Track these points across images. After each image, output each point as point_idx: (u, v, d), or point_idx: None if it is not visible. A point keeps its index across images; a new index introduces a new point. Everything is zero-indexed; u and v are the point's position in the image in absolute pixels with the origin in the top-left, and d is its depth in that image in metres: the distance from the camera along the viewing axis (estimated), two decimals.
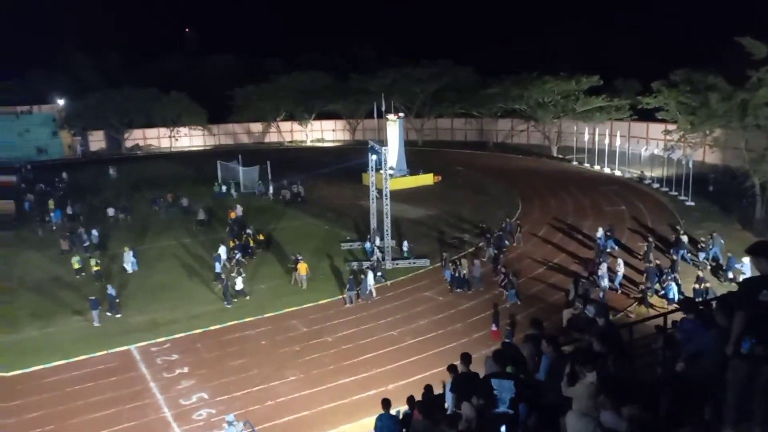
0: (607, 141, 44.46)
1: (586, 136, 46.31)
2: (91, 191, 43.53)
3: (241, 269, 24.25)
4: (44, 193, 42.27)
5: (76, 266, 25.14)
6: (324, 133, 76.67)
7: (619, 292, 21.62)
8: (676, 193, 35.54)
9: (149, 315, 21.16)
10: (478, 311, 20.72)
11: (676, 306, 14.32)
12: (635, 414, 4.89)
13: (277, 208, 37.36)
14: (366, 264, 24.70)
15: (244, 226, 31.02)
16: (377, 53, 78.39)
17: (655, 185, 38.31)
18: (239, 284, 22.53)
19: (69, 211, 35.84)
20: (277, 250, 28.46)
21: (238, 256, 26.22)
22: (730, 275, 21.71)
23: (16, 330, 20.02)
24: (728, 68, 33.06)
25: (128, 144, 71.43)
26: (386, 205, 25.97)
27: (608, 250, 25.15)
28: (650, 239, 25.36)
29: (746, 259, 19.17)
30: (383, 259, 25.37)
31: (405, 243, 26.68)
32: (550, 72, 53.23)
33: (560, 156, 52.41)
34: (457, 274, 22.77)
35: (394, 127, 43.32)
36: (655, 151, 41.25)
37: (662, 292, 20.49)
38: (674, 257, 23.33)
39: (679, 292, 19.82)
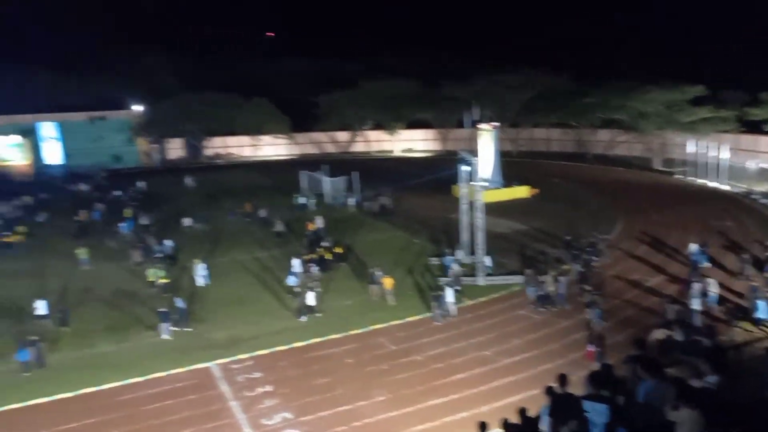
0: (713, 153, 46.35)
1: (691, 149, 48.36)
2: (166, 201, 47.17)
3: (316, 283, 25.56)
4: (118, 202, 46.24)
5: (151, 278, 27.13)
6: (413, 142, 78.65)
7: (715, 311, 21.91)
8: None
9: (228, 330, 22.43)
10: (576, 331, 21.33)
11: None
12: None
13: (362, 220, 39.42)
14: (444, 279, 25.86)
15: (322, 238, 32.60)
16: (466, 59, 79.67)
17: (763, 200, 40.65)
18: (310, 300, 23.72)
19: (144, 221, 38.96)
20: (358, 264, 29.76)
21: (315, 269, 27.48)
22: None
23: (92, 344, 21.84)
24: None
25: (208, 152, 76.47)
26: (478, 218, 27.03)
27: (702, 266, 26.16)
28: (746, 256, 26.63)
29: None
30: (472, 274, 26.71)
31: (488, 258, 27.56)
32: (652, 81, 54.91)
33: (663, 169, 54.53)
34: (541, 292, 23.90)
35: (487, 137, 45.53)
36: (765, 165, 44.60)
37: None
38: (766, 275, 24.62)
39: None
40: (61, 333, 22.62)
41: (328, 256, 29.62)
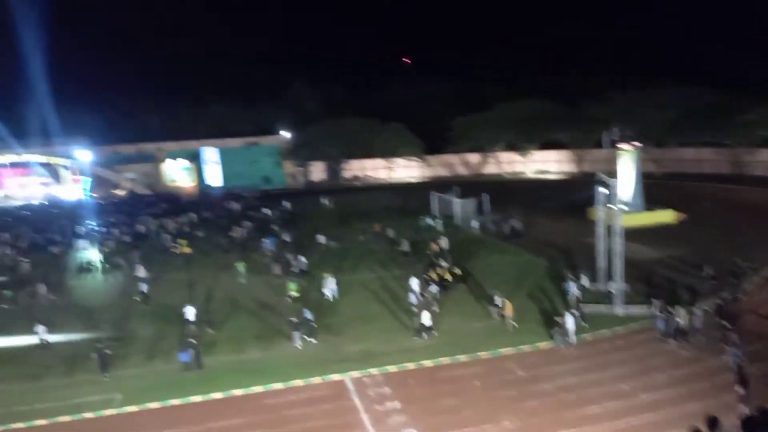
0: None
1: None
2: (306, 219, 49.66)
3: (434, 303, 25.60)
4: (265, 219, 49.33)
5: (292, 291, 28.64)
6: (547, 164, 76.28)
7: None
8: None
9: (360, 345, 22.99)
10: (730, 369, 18.96)
11: None
12: None
13: (490, 242, 38.95)
14: (570, 305, 24.67)
15: (443, 259, 32.57)
16: (606, 77, 76.08)
17: None
18: (426, 319, 23.65)
19: (285, 238, 41.23)
20: (479, 286, 29.30)
21: (434, 289, 27.44)
22: None
23: (242, 350, 23.32)
24: None
25: (347, 175, 79.38)
26: (616, 243, 25.46)
27: None
28: None
29: None
30: (600, 302, 25.41)
31: (624, 286, 25.78)
32: None
33: None
34: (672, 324, 22.02)
35: (627, 158, 42.56)
36: None
37: None
38: None
39: None
40: (209, 335, 24.26)
41: (448, 277, 29.56)
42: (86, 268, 36.67)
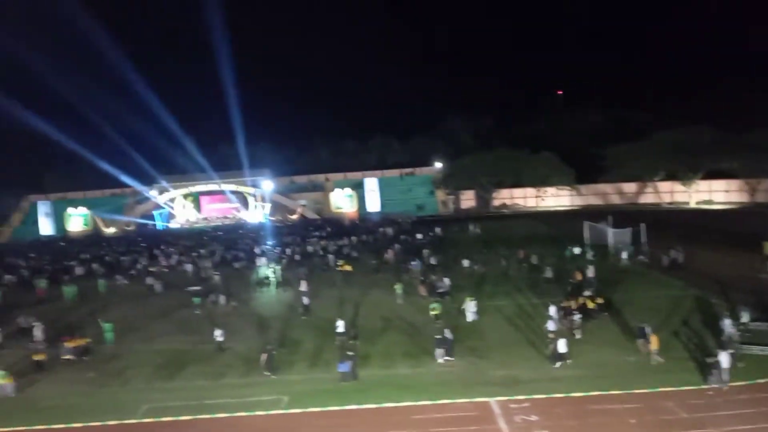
0: None
1: None
2: (453, 244, 49.42)
3: (576, 331, 24.14)
4: (415, 244, 49.94)
5: (435, 312, 28.31)
6: (713, 194, 68.77)
7: None
8: None
9: (505, 369, 21.94)
10: None
11: None
12: None
13: (641, 273, 35.77)
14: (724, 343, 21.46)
15: (587, 287, 30.45)
16: None
17: None
18: (562, 347, 22.03)
19: (432, 261, 41.25)
20: (625, 317, 26.82)
21: (577, 317, 25.58)
22: None
23: (393, 366, 23.38)
24: None
25: (496, 203, 78.06)
26: None
27: None
28: None
29: None
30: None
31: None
32: None
33: None
34: None
35: None
36: None
37: None
38: None
39: None
40: (364, 350, 24.52)
41: (591, 306, 27.37)
42: (263, 281, 39.37)
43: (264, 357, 22.76)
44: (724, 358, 19.46)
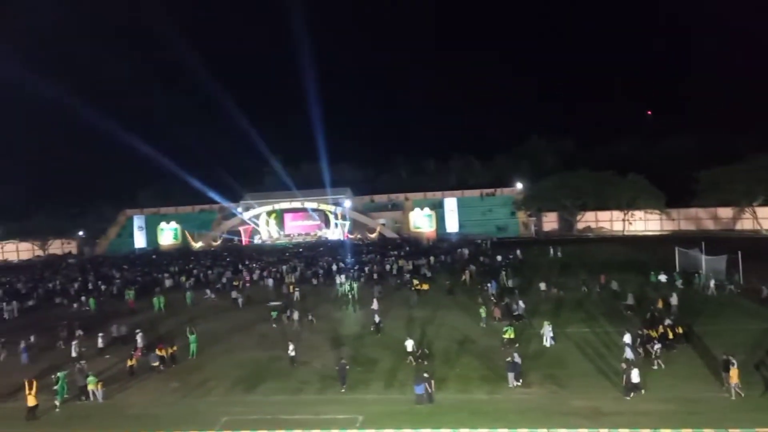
0: None
1: None
2: (532, 267, 48.16)
3: (657, 361, 23.06)
4: (492, 265, 49.17)
5: (507, 335, 27.41)
6: None
7: None
8: None
9: (588, 400, 20.89)
10: None
11: None
12: None
13: (735, 304, 33.28)
14: None
15: (668, 315, 28.72)
16: None
17: None
18: (635, 377, 20.75)
19: (510, 283, 40.33)
20: (707, 349, 25.13)
21: (657, 347, 24.03)
22: None
23: (469, 390, 22.87)
24: None
25: (579, 226, 75.47)
26: None
27: None
28: None
29: None
30: None
31: None
32: None
33: None
34: None
35: None
36: None
37: None
38: None
39: None
40: (430, 368, 24.00)
41: (672, 335, 25.67)
42: (339, 298, 39.90)
43: (337, 369, 23.02)
44: None
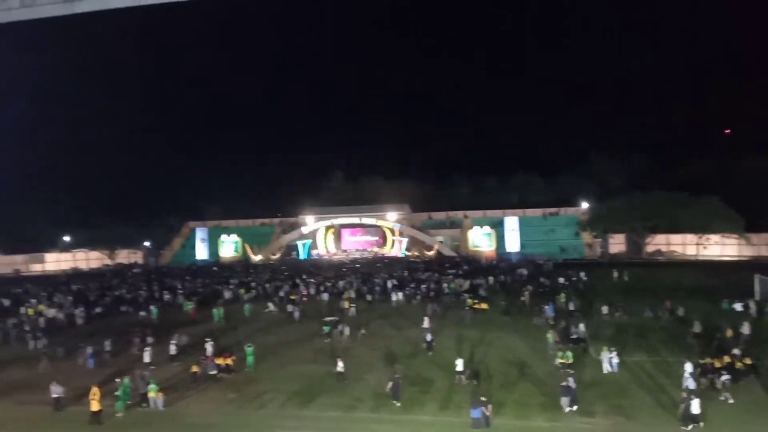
0: None
1: None
2: (595, 290, 46.92)
3: (725, 394, 21.98)
4: (552, 286, 48.03)
5: (564, 360, 26.58)
6: None
7: None
8: None
9: (656, 428, 20.06)
10: None
11: None
12: None
13: None
14: None
15: (738, 345, 27.29)
16: None
17: None
18: (695, 407, 19.77)
19: (571, 306, 39.30)
20: None
21: (725, 378, 22.67)
22: None
23: (528, 417, 22.17)
24: None
25: (649, 249, 72.65)
26: None
27: None
28: None
29: None
30: None
31: None
32: None
33: None
34: None
35: None
36: None
37: None
38: None
39: None
40: (499, 395, 23.60)
41: (738, 365, 24.29)
42: (394, 314, 39.82)
43: (390, 385, 23.09)
44: None
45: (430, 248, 79.77)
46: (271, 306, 44.19)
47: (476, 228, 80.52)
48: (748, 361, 25.25)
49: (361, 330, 34.73)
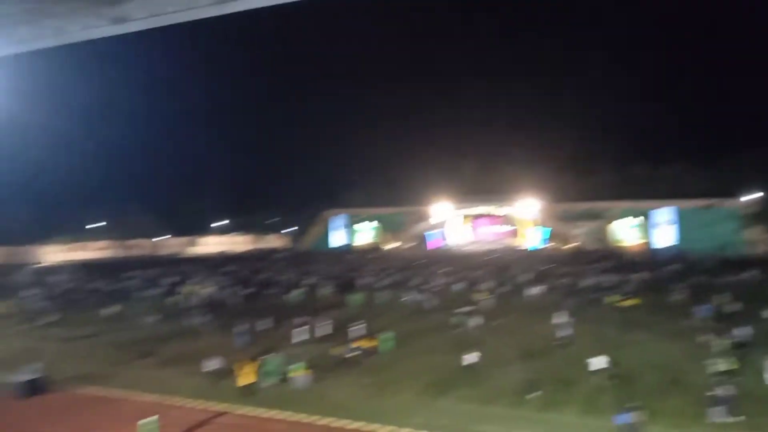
0: None
1: None
2: (760, 291, 42.13)
3: None
4: (707, 285, 43.92)
5: (725, 366, 23.84)
6: None
7: None
8: None
9: None
10: None
11: None
12: None
13: None
14: None
15: None
16: None
17: None
18: None
19: (731, 308, 35.42)
20: None
21: None
22: None
23: (682, 427, 20.26)
24: None
25: None
26: None
27: None
28: None
29: None
30: None
31: None
32: None
33: None
34: None
35: None
36: None
37: None
38: None
39: None
40: (614, 388, 22.10)
41: None
42: (530, 307, 38.69)
43: (529, 382, 22.70)
44: None
45: (570, 241, 76.44)
46: (410, 294, 44.86)
47: (622, 220, 75.70)
48: None
49: (494, 323, 34.10)
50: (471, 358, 26.25)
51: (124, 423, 20.98)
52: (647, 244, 72.65)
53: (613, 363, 25.64)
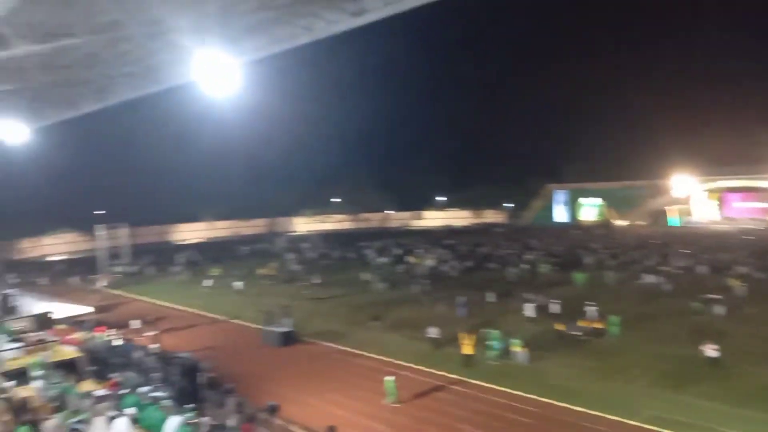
0: None
1: None
2: None
3: None
4: None
5: None
6: None
7: None
8: None
9: None
10: None
11: None
12: None
13: None
14: None
15: None
16: None
17: None
18: None
19: None
20: None
21: None
22: None
23: None
24: None
25: None
26: None
27: None
28: None
29: None
30: None
31: None
32: None
33: None
34: None
35: None
36: None
37: None
38: None
39: None
40: None
41: None
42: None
43: None
44: None
45: None
46: (641, 275, 41.62)
47: None
48: None
49: (745, 313, 30.10)
50: (712, 350, 23.49)
51: (365, 377, 23.23)
52: None
53: None
